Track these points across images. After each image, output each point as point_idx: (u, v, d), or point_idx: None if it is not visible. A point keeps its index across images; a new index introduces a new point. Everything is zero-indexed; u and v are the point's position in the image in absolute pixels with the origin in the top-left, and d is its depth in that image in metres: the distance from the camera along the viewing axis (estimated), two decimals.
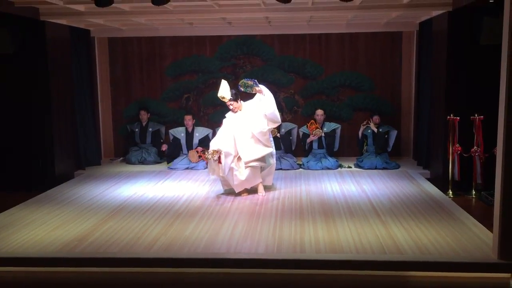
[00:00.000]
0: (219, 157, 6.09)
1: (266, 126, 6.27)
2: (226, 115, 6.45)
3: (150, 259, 4.27)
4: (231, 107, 6.34)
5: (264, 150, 6.25)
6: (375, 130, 8.29)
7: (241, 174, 6.16)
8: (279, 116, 6.41)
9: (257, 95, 6.35)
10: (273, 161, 6.50)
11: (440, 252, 4.27)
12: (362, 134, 8.43)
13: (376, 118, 8.37)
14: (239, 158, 6.21)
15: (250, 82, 6.29)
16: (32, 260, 4.31)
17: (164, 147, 8.73)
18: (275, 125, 6.56)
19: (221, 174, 6.19)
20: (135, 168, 8.41)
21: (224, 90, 6.26)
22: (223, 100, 6.33)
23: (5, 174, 7.31)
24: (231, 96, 6.26)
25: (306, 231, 4.86)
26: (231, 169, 6.13)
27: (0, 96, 7.29)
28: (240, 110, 6.36)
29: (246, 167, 6.16)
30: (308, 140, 8.31)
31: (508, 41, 3.80)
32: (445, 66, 6.85)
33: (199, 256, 4.30)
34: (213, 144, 6.19)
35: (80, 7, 6.86)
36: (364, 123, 8.43)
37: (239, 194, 6.31)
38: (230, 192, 6.41)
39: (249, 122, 6.24)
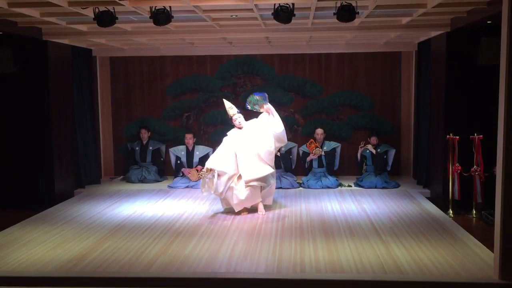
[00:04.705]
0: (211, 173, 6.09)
1: (273, 145, 6.28)
2: (228, 133, 6.47)
3: (149, 278, 4.24)
4: (239, 119, 6.37)
5: (266, 169, 6.24)
6: (374, 151, 8.27)
7: (241, 194, 6.15)
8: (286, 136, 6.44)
9: (264, 114, 6.37)
10: (273, 181, 6.47)
11: (441, 272, 4.25)
12: (361, 155, 8.42)
13: (373, 139, 8.35)
14: (239, 177, 6.20)
15: (258, 97, 6.28)
16: (30, 279, 4.28)
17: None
18: (281, 145, 6.56)
19: (212, 192, 6.16)
20: (135, 186, 8.40)
21: (230, 104, 6.41)
22: (230, 111, 6.37)
23: (4, 193, 7.30)
24: (238, 110, 6.41)
25: (306, 251, 4.84)
26: (230, 188, 6.12)
27: (1, 115, 7.32)
28: (243, 127, 6.38)
29: (246, 186, 6.15)
30: (308, 159, 8.29)
31: (506, 61, 3.83)
32: (444, 85, 6.90)
33: (199, 276, 4.28)
34: (209, 163, 6.18)
35: (83, 27, 6.93)
36: (362, 145, 8.37)
37: (239, 213, 6.29)
38: (229, 211, 6.40)
39: (254, 141, 6.23)
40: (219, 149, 6.34)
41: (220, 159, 6.16)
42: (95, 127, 9.01)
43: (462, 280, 4.08)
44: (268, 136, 6.25)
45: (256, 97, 6.33)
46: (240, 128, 6.40)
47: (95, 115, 9.06)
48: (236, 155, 6.20)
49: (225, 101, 6.51)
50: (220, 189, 6.09)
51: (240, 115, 6.44)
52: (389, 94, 9.11)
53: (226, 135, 6.48)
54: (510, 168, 3.90)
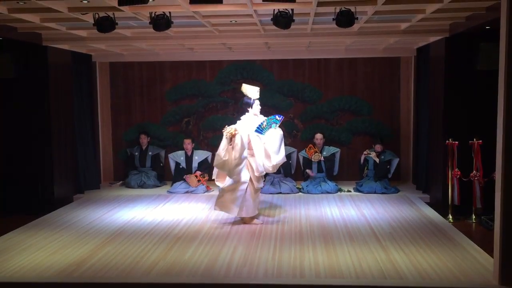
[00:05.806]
0: (232, 138, 5.89)
1: (260, 169, 6.08)
2: (242, 117, 6.28)
3: (149, 284, 4.24)
4: (259, 106, 6.22)
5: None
6: (377, 160, 8.24)
7: (251, 197, 6.05)
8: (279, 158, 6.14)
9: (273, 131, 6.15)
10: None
11: (441, 277, 4.25)
12: (364, 159, 8.38)
13: (378, 147, 8.33)
14: (251, 180, 6.11)
15: (278, 118, 6.09)
16: (30, 285, 4.28)
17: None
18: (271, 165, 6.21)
19: (232, 157, 5.89)
20: (135, 192, 8.39)
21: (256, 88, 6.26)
22: (257, 94, 6.19)
23: (4, 198, 7.29)
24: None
25: (306, 256, 4.84)
26: (241, 189, 6.01)
27: (1, 120, 7.33)
28: (258, 116, 6.26)
29: (256, 192, 6.10)
30: (306, 175, 8.28)
31: (505, 66, 3.85)
32: (443, 91, 6.91)
33: (198, 281, 4.27)
34: (233, 126, 6.00)
35: (82, 33, 6.95)
36: (366, 153, 8.34)
37: (243, 221, 6.19)
38: (228, 216, 6.35)
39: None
40: (235, 126, 6.11)
41: (240, 129, 5.99)
42: (94, 132, 9.01)
43: (461, 285, 4.08)
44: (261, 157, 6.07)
45: (277, 118, 6.10)
46: (256, 115, 6.24)
47: (95, 120, 9.07)
48: (249, 136, 6.04)
49: (246, 85, 6.29)
50: (237, 154, 5.84)
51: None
52: (388, 99, 9.13)
53: (240, 119, 6.30)
54: (509, 173, 3.90)
